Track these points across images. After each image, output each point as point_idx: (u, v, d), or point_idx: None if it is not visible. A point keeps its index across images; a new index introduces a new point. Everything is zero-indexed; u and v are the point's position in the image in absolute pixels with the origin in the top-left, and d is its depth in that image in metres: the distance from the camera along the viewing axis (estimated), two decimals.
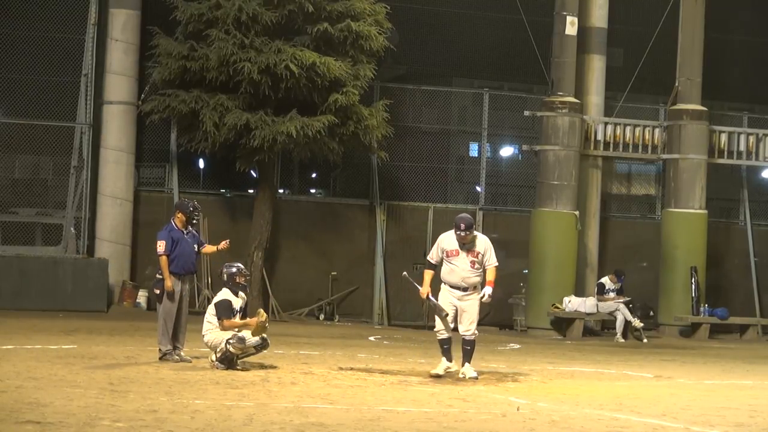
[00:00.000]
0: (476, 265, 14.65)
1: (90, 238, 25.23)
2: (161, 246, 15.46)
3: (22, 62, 24.84)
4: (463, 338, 14.83)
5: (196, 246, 15.76)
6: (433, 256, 14.93)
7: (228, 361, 14.57)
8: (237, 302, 15.07)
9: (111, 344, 17.62)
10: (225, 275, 15.19)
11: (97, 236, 25.48)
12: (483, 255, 14.67)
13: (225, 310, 14.87)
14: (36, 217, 26.06)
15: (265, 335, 14.80)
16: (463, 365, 14.84)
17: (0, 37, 24.69)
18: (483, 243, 14.77)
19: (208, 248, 16.24)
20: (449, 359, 14.91)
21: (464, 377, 14.71)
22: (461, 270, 14.65)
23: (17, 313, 22.39)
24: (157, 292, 15.48)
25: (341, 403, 11.98)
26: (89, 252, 25.14)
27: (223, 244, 15.78)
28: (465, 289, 14.67)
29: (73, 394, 11.65)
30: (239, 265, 15.37)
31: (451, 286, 14.74)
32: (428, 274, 14.87)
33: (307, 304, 26.58)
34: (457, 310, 14.74)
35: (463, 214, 15.13)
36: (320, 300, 26.65)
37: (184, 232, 15.66)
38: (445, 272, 14.79)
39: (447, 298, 14.77)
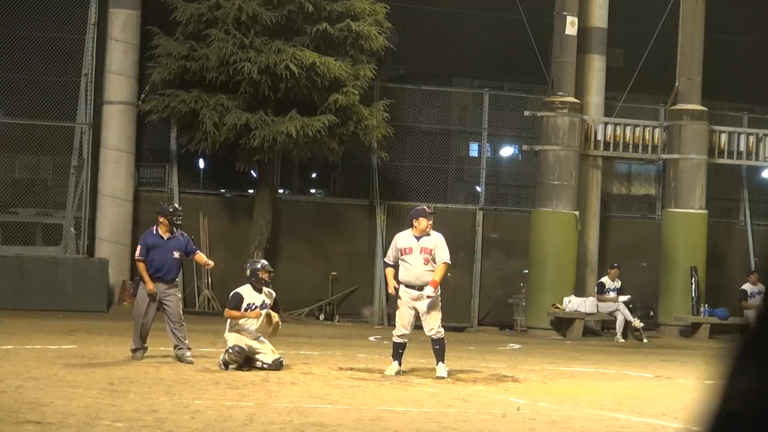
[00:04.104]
0: (429, 262, 14.84)
1: (90, 238, 25.22)
2: (137, 251, 15.87)
3: (22, 62, 24.85)
4: (431, 339, 14.94)
5: (177, 253, 15.68)
6: (389, 257, 15.23)
7: (228, 364, 14.59)
8: (258, 298, 15.01)
9: (111, 344, 17.61)
10: (248, 270, 15.18)
11: (97, 236, 25.48)
12: (434, 251, 14.84)
13: (232, 301, 14.98)
14: (36, 217, 26.05)
15: (280, 358, 14.86)
16: (437, 364, 14.92)
17: (0, 37, 24.70)
18: (435, 239, 14.99)
19: (199, 257, 16.29)
20: (399, 363, 15.04)
21: (437, 376, 14.78)
22: (415, 267, 14.81)
23: (17, 313, 22.37)
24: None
25: (341, 403, 11.98)
26: (89, 252, 25.14)
27: (207, 265, 16.35)
28: (420, 288, 14.78)
29: (73, 394, 11.65)
30: (264, 261, 15.45)
31: (407, 286, 14.89)
32: (390, 272, 15.18)
33: (307, 304, 26.57)
34: (417, 312, 14.85)
35: (417, 208, 15.43)
36: (320, 300, 26.65)
37: (165, 237, 15.66)
38: (401, 271, 14.99)
39: (405, 301, 14.90)
